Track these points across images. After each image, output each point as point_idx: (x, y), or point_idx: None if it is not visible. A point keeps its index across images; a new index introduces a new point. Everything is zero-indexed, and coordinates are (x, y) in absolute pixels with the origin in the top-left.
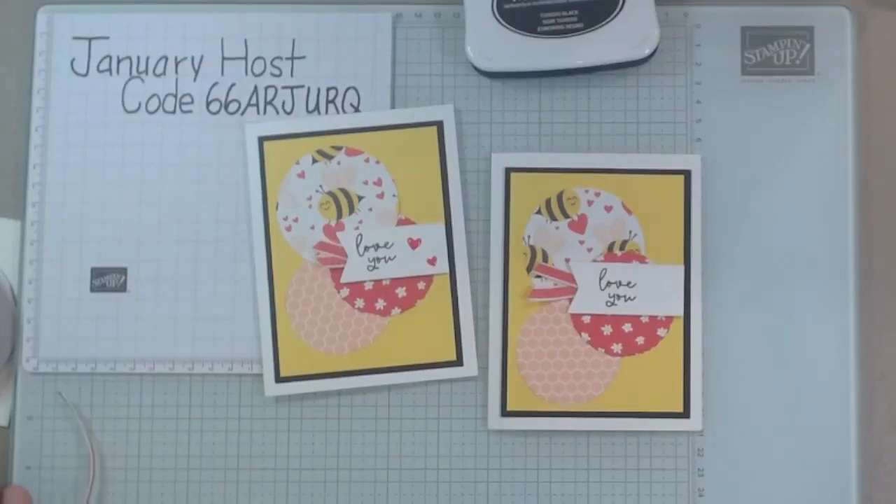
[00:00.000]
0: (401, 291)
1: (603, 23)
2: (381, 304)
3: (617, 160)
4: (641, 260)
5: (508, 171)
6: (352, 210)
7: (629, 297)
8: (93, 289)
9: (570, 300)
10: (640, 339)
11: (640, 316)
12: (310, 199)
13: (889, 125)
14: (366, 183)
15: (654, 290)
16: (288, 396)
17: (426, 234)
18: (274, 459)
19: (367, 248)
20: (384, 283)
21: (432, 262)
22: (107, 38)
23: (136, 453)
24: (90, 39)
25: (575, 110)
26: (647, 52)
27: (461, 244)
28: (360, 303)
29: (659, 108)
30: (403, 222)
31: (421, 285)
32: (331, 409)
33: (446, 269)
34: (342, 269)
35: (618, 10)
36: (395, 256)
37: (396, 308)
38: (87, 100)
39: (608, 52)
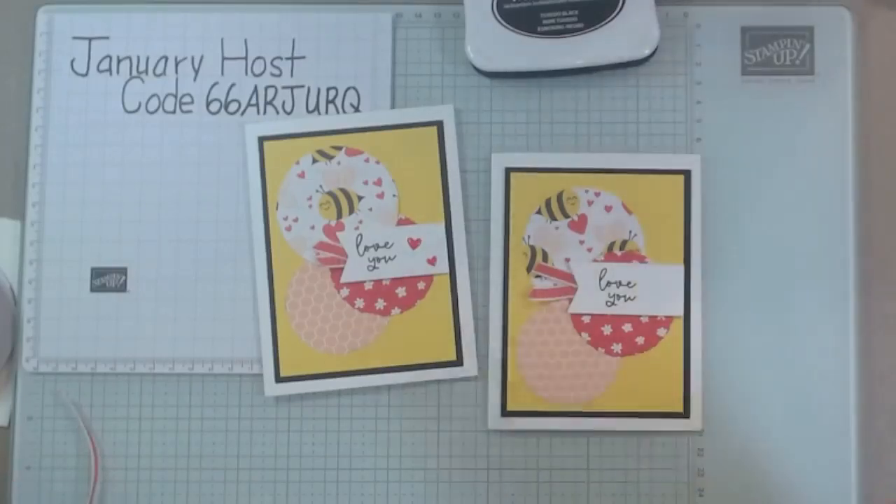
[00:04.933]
0: (401, 291)
1: (603, 23)
2: (381, 304)
3: (617, 160)
4: (641, 260)
5: (508, 171)
6: (352, 210)
7: (629, 297)
8: (93, 289)
9: (570, 300)
10: (639, 339)
11: (640, 316)
12: (310, 199)
13: (889, 125)
14: (366, 183)
15: (654, 290)
16: (288, 396)
17: (426, 234)
18: (274, 459)
19: (367, 248)
20: (384, 283)
21: (432, 262)
22: (107, 38)
23: (136, 453)
24: (90, 39)
25: (575, 110)
26: (647, 52)
27: (461, 244)
28: (360, 303)
29: (659, 108)
30: (403, 222)
31: (421, 285)
32: (331, 409)
33: (446, 269)
34: (342, 269)
35: (618, 10)
36: (395, 256)
37: (396, 308)
38: (87, 100)
39: (608, 52)
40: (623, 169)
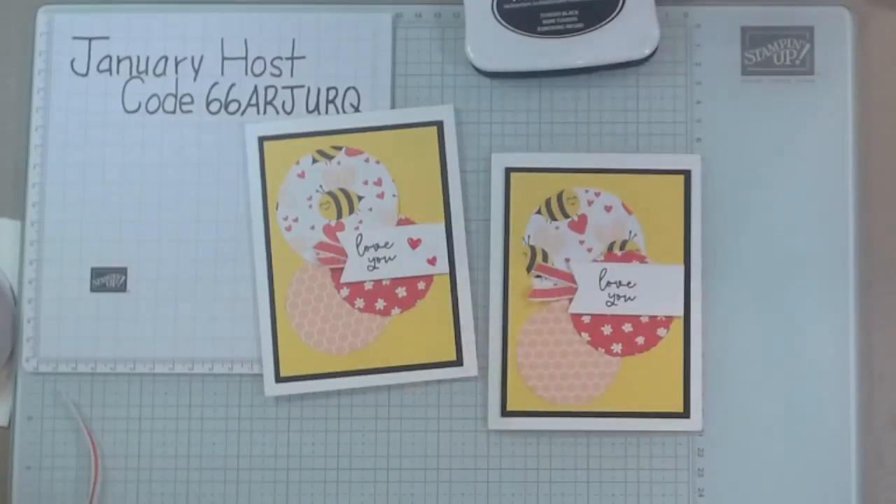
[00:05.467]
0: (401, 291)
1: (603, 23)
2: (381, 304)
3: (617, 160)
4: (641, 260)
5: (508, 171)
6: (352, 210)
7: (629, 297)
8: (93, 289)
9: (570, 300)
10: (640, 339)
11: (640, 316)
12: (310, 199)
13: (889, 125)
14: (366, 183)
15: (654, 290)
16: (288, 396)
17: (426, 234)
18: (274, 459)
19: (367, 248)
20: (384, 283)
21: (432, 262)
22: (107, 38)
23: (136, 453)
24: (90, 39)
25: (575, 110)
26: (647, 52)
27: (461, 244)
28: (360, 303)
29: (659, 108)
30: (403, 222)
31: (421, 285)
32: (331, 409)
33: (446, 269)
34: (342, 269)
35: (618, 10)
36: (395, 256)
37: (396, 308)
38: (87, 100)
39: (608, 52)
40: (623, 169)
